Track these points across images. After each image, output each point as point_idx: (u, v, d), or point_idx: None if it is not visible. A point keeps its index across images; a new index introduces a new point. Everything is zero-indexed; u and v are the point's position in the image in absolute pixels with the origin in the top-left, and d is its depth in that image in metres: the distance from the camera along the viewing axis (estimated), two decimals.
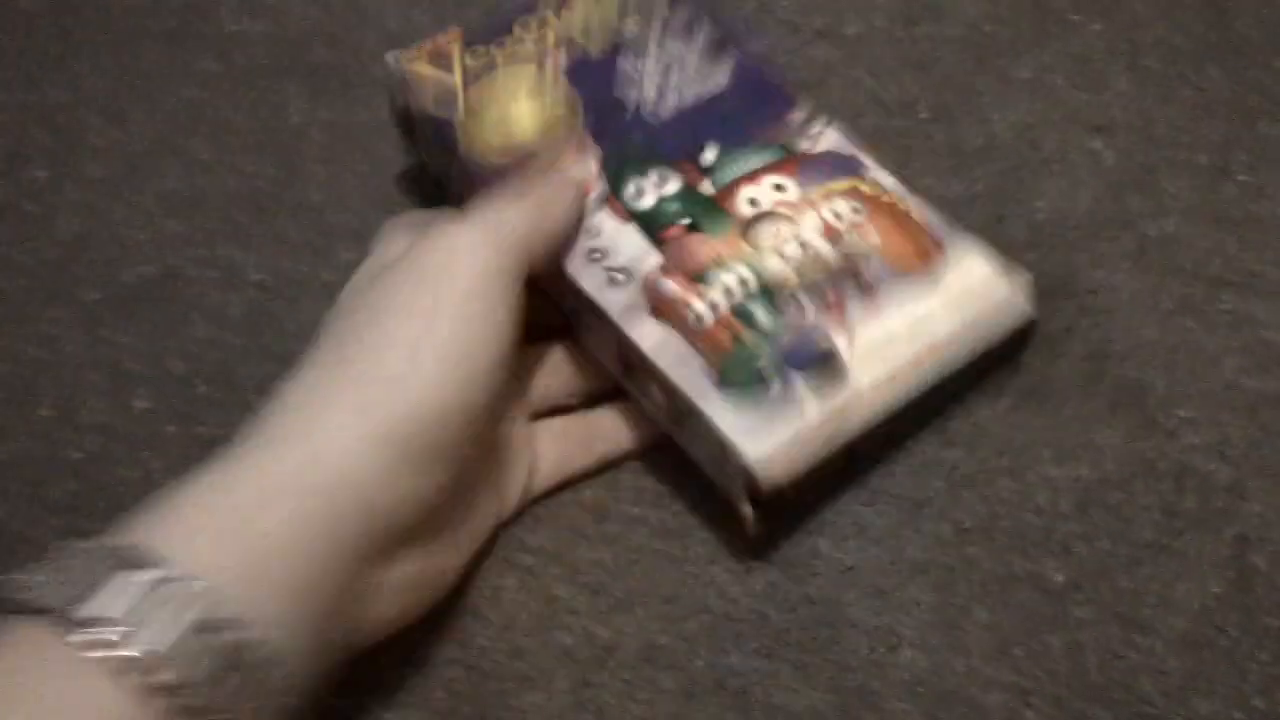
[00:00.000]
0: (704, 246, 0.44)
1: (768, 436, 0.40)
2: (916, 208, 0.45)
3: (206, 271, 0.52)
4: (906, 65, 0.53)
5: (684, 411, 0.42)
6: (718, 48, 0.49)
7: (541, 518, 0.45)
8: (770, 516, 0.41)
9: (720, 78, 0.48)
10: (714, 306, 0.43)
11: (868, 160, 0.46)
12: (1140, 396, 0.44)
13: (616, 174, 0.46)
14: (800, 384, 0.41)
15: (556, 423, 0.46)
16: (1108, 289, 0.47)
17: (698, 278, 0.43)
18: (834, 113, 0.47)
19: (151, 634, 0.31)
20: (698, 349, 0.42)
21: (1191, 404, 0.44)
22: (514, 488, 0.44)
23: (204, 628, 0.31)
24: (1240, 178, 0.49)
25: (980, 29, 0.54)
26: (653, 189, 0.46)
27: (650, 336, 0.42)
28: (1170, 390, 0.44)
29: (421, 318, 0.38)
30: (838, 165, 0.46)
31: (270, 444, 0.36)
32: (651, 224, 0.45)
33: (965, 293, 0.43)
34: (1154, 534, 0.42)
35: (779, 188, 0.46)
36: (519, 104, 0.47)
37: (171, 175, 0.54)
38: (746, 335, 0.42)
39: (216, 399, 0.48)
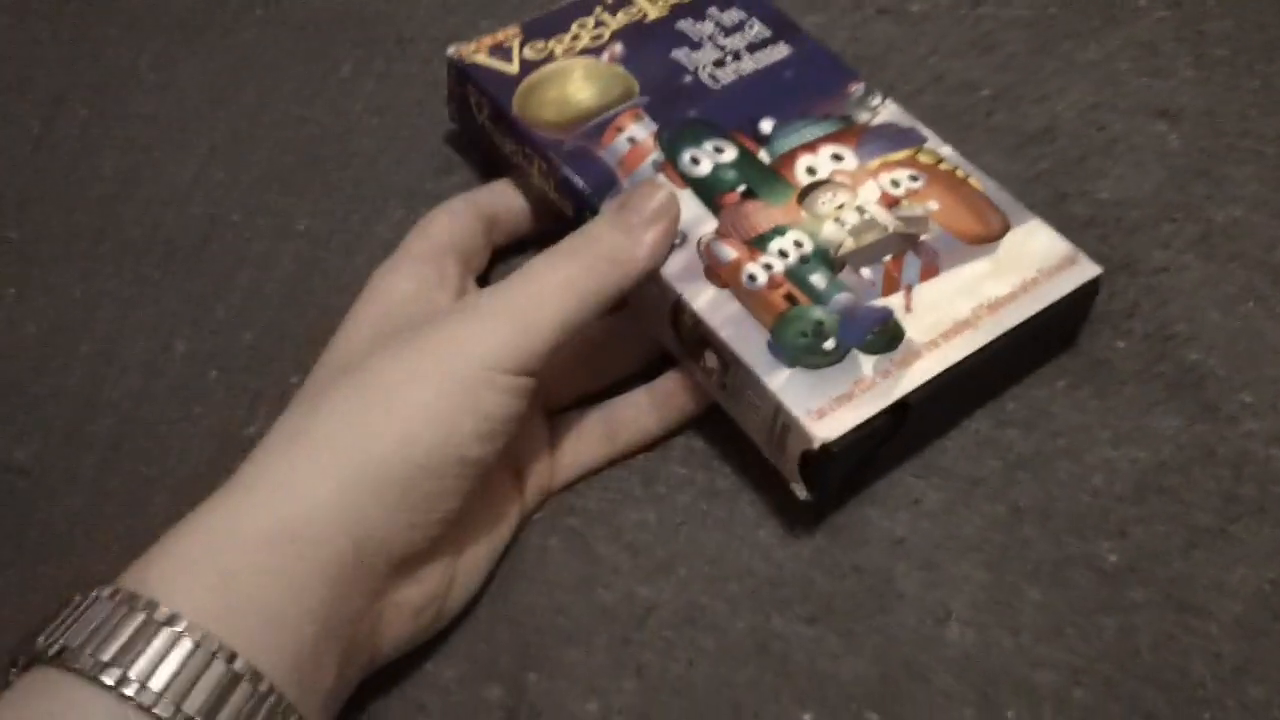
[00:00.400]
0: (761, 212, 0.44)
1: (819, 393, 0.40)
2: (977, 178, 0.45)
3: (254, 219, 0.51)
4: (970, 45, 0.53)
5: (736, 374, 0.41)
6: (775, 25, 0.50)
7: (590, 480, 0.44)
8: (820, 483, 0.41)
9: (780, 48, 0.49)
10: (768, 268, 0.43)
11: (926, 132, 0.46)
12: (1201, 381, 0.44)
13: (672, 143, 0.46)
14: (854, 344, 0.41)
15: (577, 418, 0.45)
16: (1171, 272, 0.46)
17: (754, 243, 0.43)
18: (893, 90, 0.47)
19: (174, 689, 0.32)
20: (752, 311, 0.42)
21: (1252, 390, 0.43)
22: (534, 486, 0.43)
23: (217, 679, 0.32)
24: None
25: (1045, 11, 0.54)
26: (709, 157, 0.46)
27: (704, 298, 0.42)
28: (1231, 376, 0.44)
29: (415, 383, 0.37)
30: (897, 137, 0.46)
31: (252, 489, 0.37)
32: (708, 190, 0.45)
33: (1025, 253, 0.43)
34: (1211, 519, 0.41)
35: (837, 157, 0.46)
36: (575, 84, 0.48)
37: (220, 120, 0.54)
38: (801, 296, 0.42)
39: (263, 349, 0.48)
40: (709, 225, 0.44)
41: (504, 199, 0.48)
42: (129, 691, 0.31)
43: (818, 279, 0.43)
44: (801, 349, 0.41)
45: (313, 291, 0.49)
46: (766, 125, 0.47)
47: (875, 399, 0.40)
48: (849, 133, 0.46)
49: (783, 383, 0.40)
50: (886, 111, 0.47)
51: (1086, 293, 0.44)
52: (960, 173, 0.45)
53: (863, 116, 0.47)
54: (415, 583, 0.38)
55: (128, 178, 0.52)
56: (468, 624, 0.41)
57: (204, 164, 0.53)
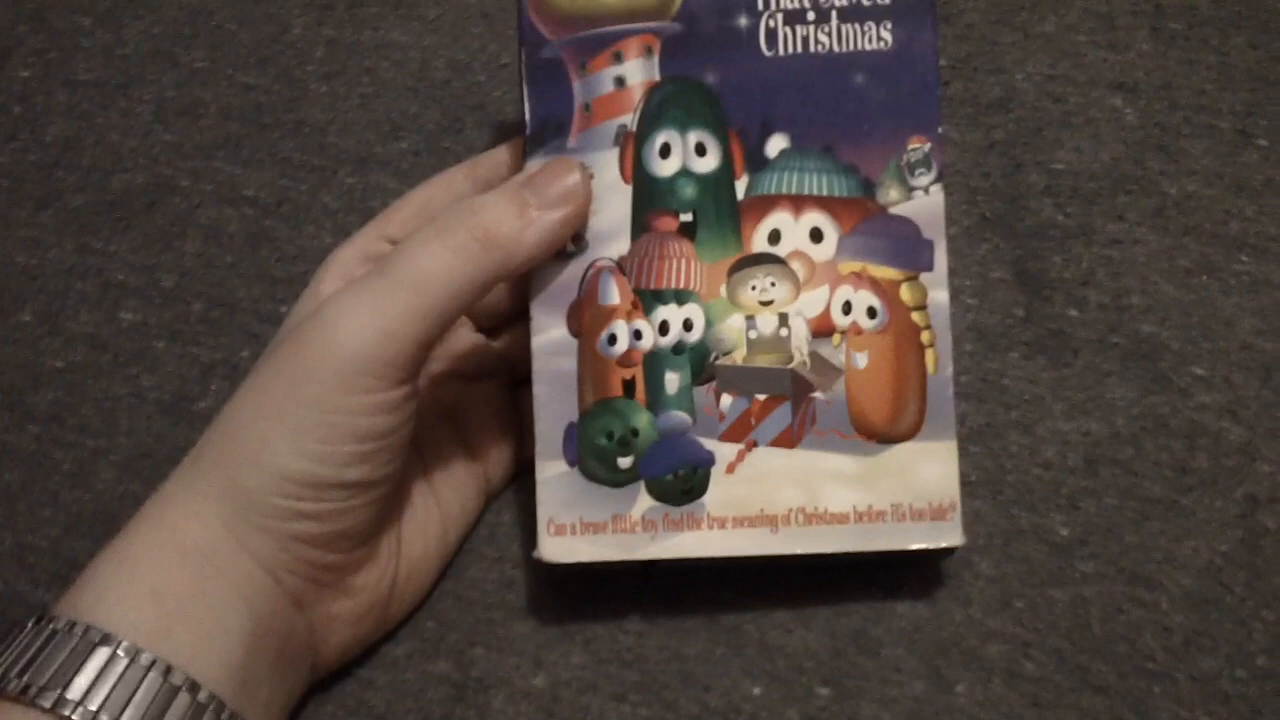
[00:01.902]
0: (679, 263, 0.38)
1: (575, 508, 0.37)
2: (938, 355, 0.38)
3: (201, 184, 0.50)
4: None
5: (531, 427, 0.38)
6: (906, 4, 0.38)
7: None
8: (563, 585, 0.40)
9: (882, 32, 0.38)
10: (636, 337, 0.38)
11: (940, 257, 0.38)
12: (1154, 353, 0.44)
13: (658, 109, 0.38)
14: (648, 474, 0.37)
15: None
16: (1126, 244, 0.46)
17: (645, 295, 0.38)
18: None
19: (111, 704, 0.31)
20: (581, 379, 0.38)
21: (1205, 363, 0.43)
22: (500, 463, 0.42)
23: (155, 691, 0.32)
24: (1261, 143, 0.48)
25: None
26: (682, 154, 0.38)
27: (548, 336, 0.38)
28: (1185, 348, 0.44)
29: (281, 412, 0.35)
30: (903, 246, 0.38)
31: (170, 504, 0.36)
32: (651, 199, 0.38)
33: (905, 476, 0.37)
34: (1163, 491, 0.41)
35: (816, 235, 0.38)
36: None
37: (166, 83, 0.53)
38: (640, 391, 0.38)
39: (212, 319, 0.47)
40: (617, 246, 0.38)
41: (506, 170, 0.41)
42: (67, 711, 0.31)
43: (672, 381, 0.38)
44: (594, 452, 0.37)
45: (261, 261, 0.48)
46: (775, 145, 0.38)
47: (621, 548, 0.37)
48: (856, 206, 0.38)
49: (551, 478, 0.37)
50: (922, 201, 0.38)
51: (936, 551, 0.38)
52: (927, 337, 0.38)
53: (890, 194, 0.38)
54: (347, 595, 0.37)
55: (70, 143, 0.51)
56: None
57: (149, 128, 0.51)
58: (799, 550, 0.37)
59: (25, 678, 0.32)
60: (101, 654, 0.32)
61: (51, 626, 0.33)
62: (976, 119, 0.49)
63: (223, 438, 0.36)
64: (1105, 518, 0.41)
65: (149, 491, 0.43)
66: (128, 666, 0.32)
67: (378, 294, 0.35)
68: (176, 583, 0.34)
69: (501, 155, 0.42)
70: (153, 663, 0.32)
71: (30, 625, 0.33)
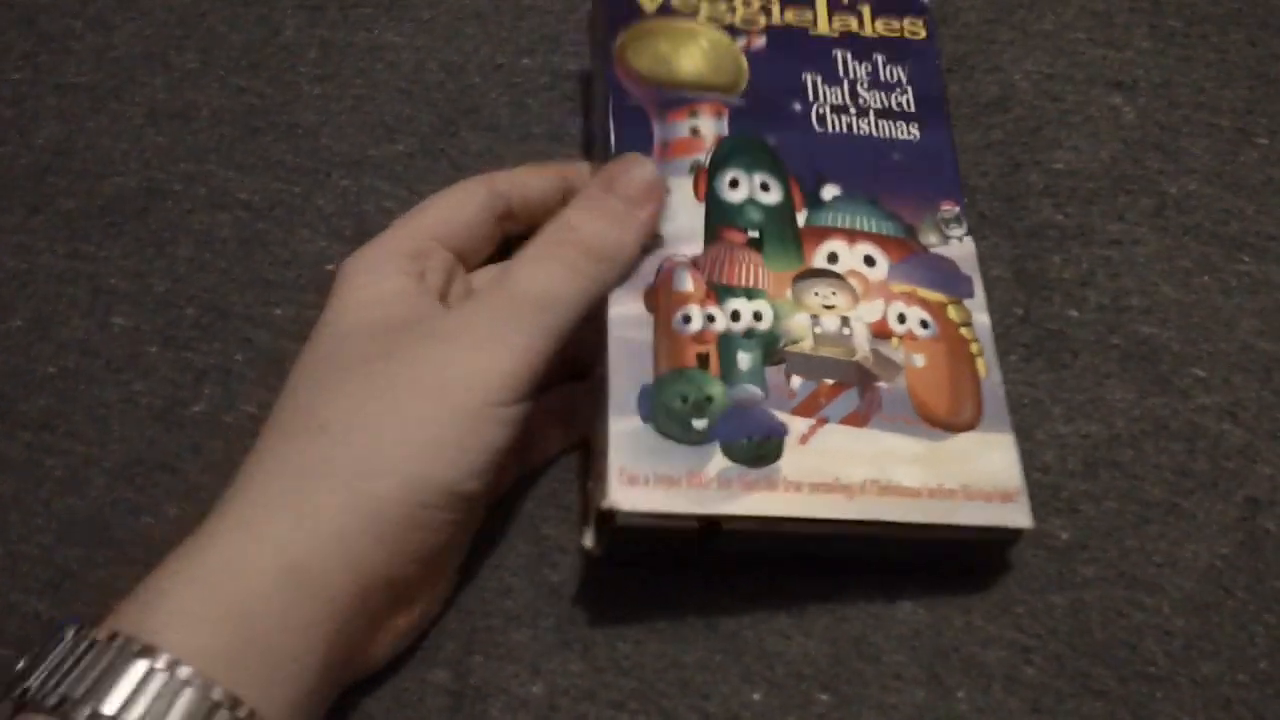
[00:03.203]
0: (749, 266, 0.41)
1: (649, 462, 0.37)
2: (987, 363, 0.40)
3: (193, 188, 0.50)
4: None
5: (601, 396, 0.39)
6: (925, 104, 0.45)
7: None
8: (609, 545, 0.38)
9: (910, 129, 0.44)
10: (709, 320, 0.40)
11: (978, 289, 0.42)
12: (1154, 354, 0.43)
13: (727, 155, 0.43)
14: (722, 438, 0.38)
15: (539, 404, 0.42)
16: (1125, 244, 0.45)
17: (718, 289, 0.40)
18: None
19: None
20: (657, 350, 0.39)
21: (1205, 364, 0.43)
22: (501, 483, 0.42)
23: (195, 714, 0.31)
24: (1260, 142, 0.48)
25: None
26: (749, 188, 0.42)
27: (624, 309, 0.39)
28: (1184, 349, 0.43)
29: (418, 420, 0.36)
30: (945, 276, 0.42)
31: (251, 521, 0.35)
32: (721, 217, 0.42)
33: (968, 462, 0.38)
34: (1163, 494, 0.41)
35: (870, 260, 0.42)
36: (690, 51, 0.45)
37: (158, 86, 0.52)
38: (714, 365, 0.39)
39: (205, 324, 0.47)
40: (690, 248, 0.41)
41: (526, 187, 0.43)
42: None
43: (744, 359, 0.39)
44: (669, 412, 0.38)
45: (255, 265, 0.48)
46: (829, 191, 0.43)
47: (693, 501, 0.37)
48: (902, 244, 0.42)
49: (624, 430, 0.38)
50: (958, 247, 0.42)
51: (1000, 538, 0.39)
52: (975, 347, 0.40)
53: (930, 238, 0.42)
54: (408, 610, 0.38)
55: (62, 147, 0.51)
56: None
57: (140, 132, 0.51)
58: (876, 516, 0.37)
59: (91, 704, 0.31)
60: (171, 682, 0.31)
61: (117, 643, 0.32)
62: (974, 118, 0.49)
63: (343, 446, 0.35)
64: (1105, 521, 0.41)
65: (142, 499, 0.43)
66: (197, 699, 0.31)
67: (511, 313, 0.37)
68: (263, 605, 0.33)
69: (525, 173, 0.44)
70: (221, 696, 0.31)
71: (91, 640, 0.32)
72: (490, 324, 0.37)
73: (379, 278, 0.39)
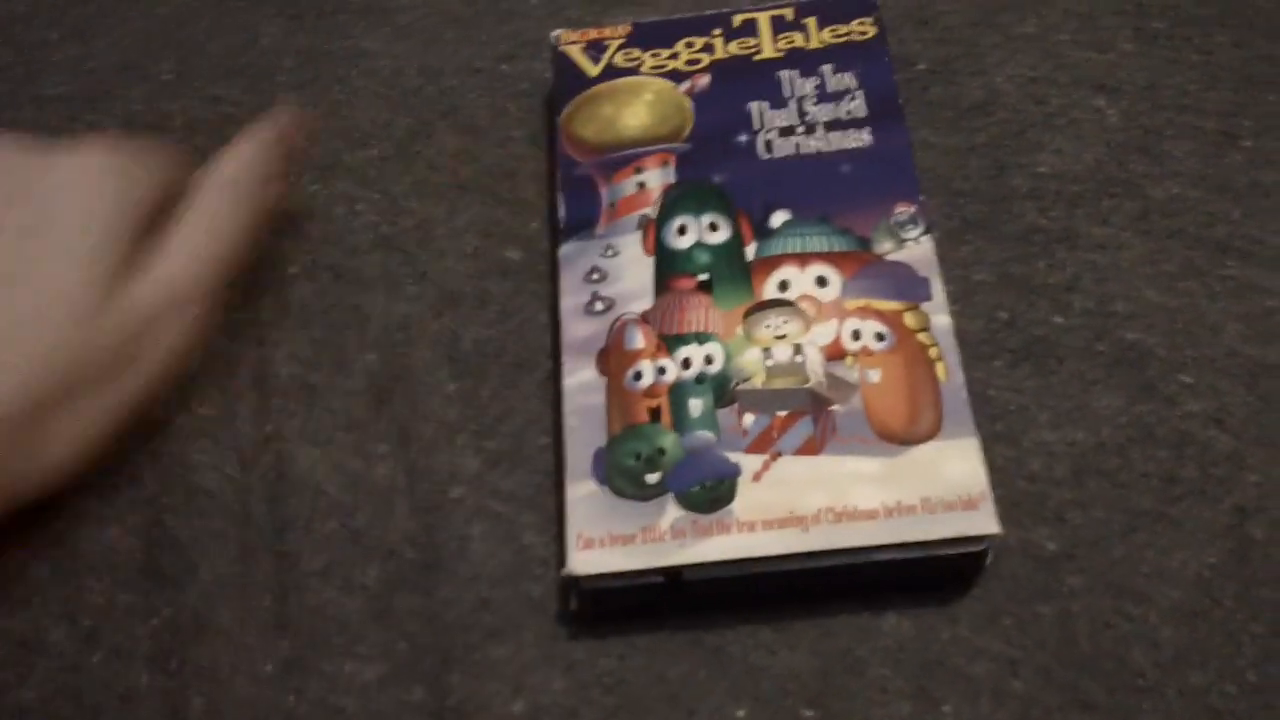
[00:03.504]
0: (697, 311, 0.42)
1: (604, 523, 0.38)
2: (948, 366, 0.40)
3: None
4: (905, 18, 0.52)
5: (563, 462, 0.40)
6: (877, 106, 0.45)
7: (516, 461, 0.43)
8: (592, 607, 0.39)
9: (863, 136, 0.45)
10: (660, 373, 0.41)
11: (937, 289, 0.41)
12: (1140, 360, 0.43)
13: (673, 204, 0.44)
14: (675, 488, 0.38)
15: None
16: (1110, 249, 0.45)
17: (669, 339, 0.41)
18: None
19: None
20: (610, 410, 0.40)
21: (1192, 371, 0.43)
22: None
23: None
24: (1245, 144, 0.48)
25: None
26: (696, 231, 0.43)
27: (577, 378, 0.41)
28: (1171, 355, 0.43)
29: None
30: (901, 282, 0.41)
31: None
32: (670, 266, 0.43)
33: (930, 472, 0.38)
34: (1151, 502, 0.41)
35: (821, 281, 0.42)
36: (634, 108, 0.46)
37: (134, 97, 0.52)
38: (665, 417, 0.40)
39: None
40: (641, 304, 0.42)
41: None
42: None
43: (695, 405, 0.40)
44: (622, 472, 0.39)
45: None
46: (778, 218, 0.43)
47: (649, 556, 0.37)
48: (854, 258, 0.42)
49: (580, 496, 0.39)
50: (914, 249, 0.42)
51: (971, 547, 0.38)
52: (935, 352, 0.40)
53: (884, 245, 0.42)
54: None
55: None
56: (386, 620, 0.40)
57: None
58: (830, 545, 0.37)
59: None
60: None
61: None
62: (957, 122, 0.48)
63: None
64: (1093, 530, 0.40)
65: (109, 509, 0.43)
66: None
67: None
68: None
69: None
70: None
71: None
72: None
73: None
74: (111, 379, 0.40)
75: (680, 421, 0.40)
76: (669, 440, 0.39)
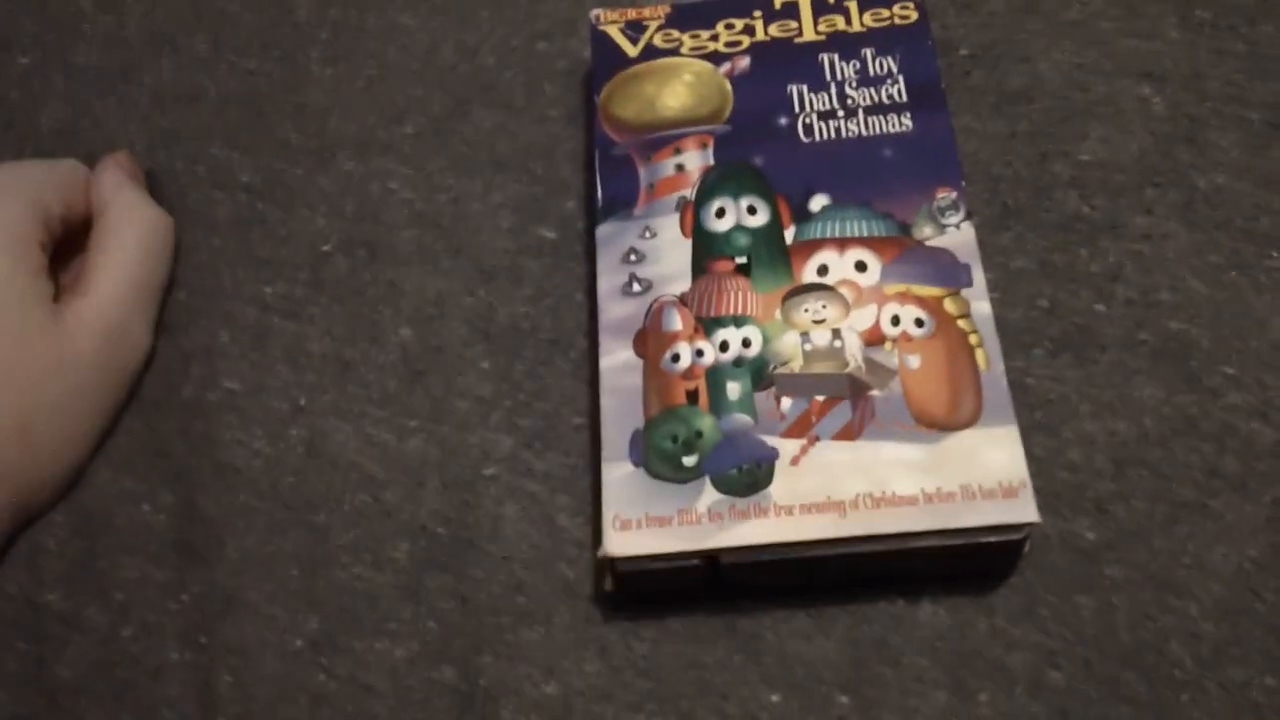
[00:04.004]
0: (736, 294, 0.41)
1: (641, 505, 0.38)
2: (988, 353, 0.39)
3: (193, 169, 0.49)
4: (948, 3, 0.51)
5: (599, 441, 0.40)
6: (918, 90, 0.45)
7: (550, 441, 0.42)
8: (628, 588, 0.38)
9: (903, 120, 0.44)
10: (698, 355, 0.40)
11: (978, 275, 0.41)
12: (1183, 351, 0.42)
13: (711, 186, 0.43)
14: (712, 471, 0.38)
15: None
16: (1155, 239, 0.44)
17: (706, 322, 0.41)
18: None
19: None
20: (647, 392, 0.40)
21: (1235, 362, 0.42)
22: None
23: None
24: None
25: None
26: (735, 214, 0.43)
27: (614, 359, 0.40)
28: (1214, 347, 0.42)
29: None
30: (941, 268, 0.41)
31: None
32: (708, 249, 0.42)
33: (969, 459, 0.38)
34: (1193, 494, 0.40)
35: (861, 266, 0.41)
36: (673, 88, 0.46)
37: (166, 68, 0.51)
38: (703, 399, 0.39)
39: (194, 307, 0.46)
40: (679, 286, 0.42)
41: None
42: None
43: (733, 388, 0.39)
44: (659, 454, 0.38)
45: (249, 244, 0.47)
46: (818, 202, 0.43)
47: (686, 538, 0.37)
48: (894, 243, 0.41)
49: (617, 477, 0.38)
50: (955, 235, 0.41)
51: (1010, 536, 0.37)
52: (975, 339, 0.40)
53: (924, 230, 0.42)
54: None
55: (65, 130, 0.50)
56: (417, 600, 0.40)
57: (146, 115, 0.50)
58: (868, 530, 0.37)
59: None
60: None
61: None
62: (1000, 108, 0.48)
63: None
64: (1133, 522, 0.40)
65: (142, 486, 0.43)
66: None
67: None
68: None
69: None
70: None
71: None
72: None
73: None
74: (85, 390, 0.42)
75: (717, 404, 0.39)
76: (707, 423, 0.39)
